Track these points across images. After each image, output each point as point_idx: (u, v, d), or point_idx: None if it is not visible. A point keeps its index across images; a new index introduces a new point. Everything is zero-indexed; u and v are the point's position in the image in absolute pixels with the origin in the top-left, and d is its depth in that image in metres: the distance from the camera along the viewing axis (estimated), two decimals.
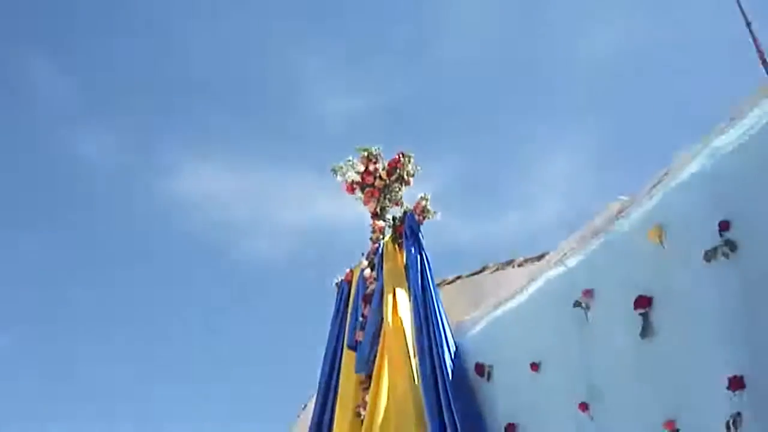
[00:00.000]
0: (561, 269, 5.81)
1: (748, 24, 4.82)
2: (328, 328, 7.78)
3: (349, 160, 7.99)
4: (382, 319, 7.04)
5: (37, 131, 19.37)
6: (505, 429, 5.98)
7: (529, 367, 5.84)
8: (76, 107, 19.37)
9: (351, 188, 7.99)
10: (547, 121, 17.62)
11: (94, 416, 19.43)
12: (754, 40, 4.77)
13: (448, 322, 6.73)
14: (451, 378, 6.35)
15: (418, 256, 7.17)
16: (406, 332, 6.82)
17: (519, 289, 6.19)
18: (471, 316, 6.76)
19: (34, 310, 20.11)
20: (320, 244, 19.09)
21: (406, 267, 7.26)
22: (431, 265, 7.13)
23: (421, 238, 7.31)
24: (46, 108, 19.34)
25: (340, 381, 7.24)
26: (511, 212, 18.40)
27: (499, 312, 6.39)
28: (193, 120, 19.80)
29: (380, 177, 7.90)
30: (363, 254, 7.88)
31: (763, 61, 4.66)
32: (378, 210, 7.91)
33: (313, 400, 7.60)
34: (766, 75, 4.62)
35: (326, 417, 7.19)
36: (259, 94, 19.61)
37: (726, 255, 4.46)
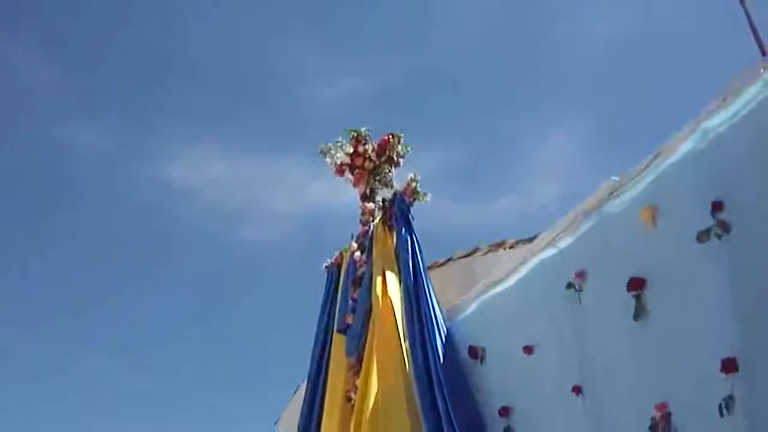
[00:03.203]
0: (553, 251, 5.78)
1: (742, 2, 4.77)
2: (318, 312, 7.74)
3: (338, 142, 7.93)
4: (372, 302, 6.99)
5: (23, 121, 19.26)
6: (499, 412, 5.96)
7: (522, 349, 5.82)
8: (63, 96, 19.25)
9: (341, 170, 7.94)
10: (543, 106, 17.63)
11: (78, 406, 19.36)
12: (749, 18, 4.72)
13: (439, 305, 6.70)
14: (442, 361, 6.33)
15: (409, 239, 7.12)
16: (396, 315, 6.77)
17: (511, 271, 6.16)
18: (462, 299, 6.73)
19: (27, 300, 20.01)
20: (314, 229, 19.06)
21: (397, 249, 7.21)
22: (422, 248, 7.08)
23: (411, 220, 7.25)
24: (33, 97, 19.24)
25: (330, 365, 7.21)
26: (506, 196, 18.43)
27: (491, 294, 6.35)
28: (183, 106, 19.71)
29: (369, 158, 7.85)
30: (353, 237, 7.83)
31: (757, 40, 4.62)
32: (368, 192, 7.86)
33: (304, 385, 7.56)
34: (760, 54, 4.57)
35: (316, 402, 7.15)
36: (250, 78, 19.55)
37: (719, 236, 4.44)
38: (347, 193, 8.11)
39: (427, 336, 6.46)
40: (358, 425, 6.48)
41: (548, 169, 18.06)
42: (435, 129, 17.09)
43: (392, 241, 7.32)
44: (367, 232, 7.62)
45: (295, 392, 9.21)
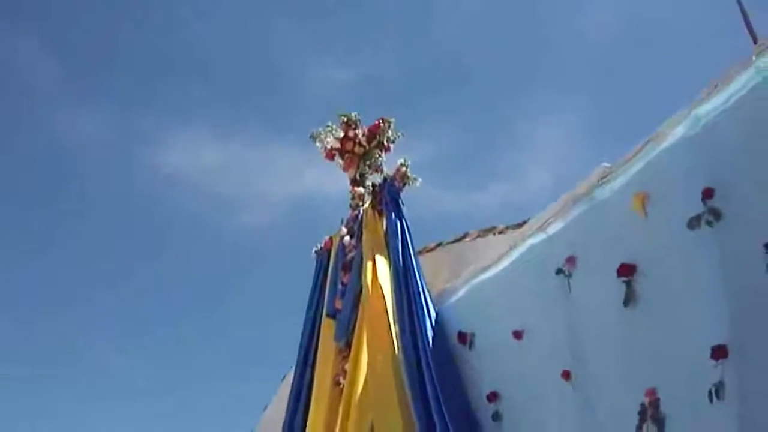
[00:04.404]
0: (543, 236, 5.78)
1: None
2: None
3: (329, 126, 7.90)
4: (362, 286, 6.99)
5: (19, 110, 19.19)
6: (488, 397, 5.97)
7: (511, 335, 5.82)
8: (58, 84, 19.18)
9: (331, 155, 7.92)
10: (535, 92, 17.63)
11: (78, 391, 19.35)
12: (741, 6, 4.73)
13: (428, 290, 6.70)
14: (431, 346, 6.33)
15: (398, 223, 7.12)
16: (386, 300, 6.76)
17: (501, 257, 6.16)
18: (451, 284, 6.73)
19: (26, 290, 19.98)
20: (308, 214, 19.07)
21: (386, 234, 7.21)
22: (412, 233, 7.08)
23: (401, 204, 7.25)
24: (28, 86, 19.17)
25: (319, 350, 7.20)
26: (500, 183, 18.44)
27: (480, 279, 6.36)
28: (177, 93, 19.68)
29: (360, 143, 7.84)
30: (342, 221, 7.81)
31: (749, 28, 4.63)
32: (358, 176, 7.84)
33: (293, 370, 7.56)
34: (751, 42, 4.58)
35: (305, 386, 7.15)
36: (245, 66, 19.54)
37: (710, 223, 4.43)
38: (341, 178, 8.11)
39: (416, 321, 6.47)
40: (347, 410, 6.48)
41: (540, 156, 18.10)
42: (426, 115, 17.13)
43: (382, 225, 7.32)
44: (357, 216, 7.62)
45: (283, 378, 9.20)
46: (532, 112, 18.00)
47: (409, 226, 7.11)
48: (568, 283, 5.42)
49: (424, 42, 18.44)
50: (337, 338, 7.07)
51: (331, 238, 7.86)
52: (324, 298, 7.47)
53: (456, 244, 7.96)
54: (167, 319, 20.54)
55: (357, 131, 7.84)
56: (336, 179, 8.23)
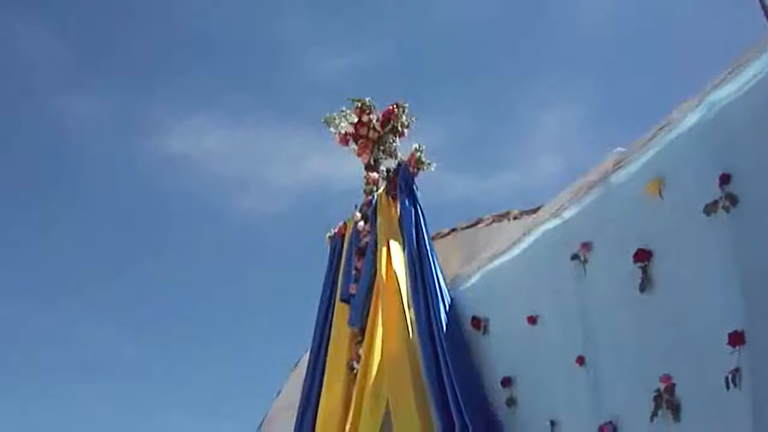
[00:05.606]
0: (557, 222, 5.77)
1: None
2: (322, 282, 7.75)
3: (343, 111, 7.90)
4: (376, 272, 7.00)
5: (22, 94, 19.21)
6: (502, 382, 5.97)
7: (525, 320, 5.82)
8: (61, 69, 19.17)
9: (344, 140, 7.92)
10: (546, 77, 17.50)
11: (78, 378, 19.45)
12: None
13: (442, 275, 6.70)
14: (445, 331, 6.34)
15: (413, 209, 7.12)
16: (400, 285, 6.77)
17: (515, 242, 6.15)
18: (465, 270, 6.73)
19: (26, 278, 20.06)
20: (313, 200, 19.06)
21: (401, 219, 7.20)
22: (426, 218, 7.08)
23: (415, 190, 7.25)
24: (31, 70, 19.15)
25: (333, 335, 7.22)
26: (509, 169, 18.31)
27: (494, 265, 6.35)
28: (181, 78, 19.64)
29: (374, 128, 7.83)
30: (356, 207, 7.82)
31: (765, 12, 4.58)
32: (372, 162, 7.84)
33: (305, 357, 7.57)
34: (767, 26, 4.54)
35: (319, 371, 7.17)
36: (249, 51, 19.47)
37: (726, 209, 4.40)
38: (347, 165, 8.12)
39: (431, 306, 6.47)
40: (361, 394, 6.51)
41: (552, 141, 18.01)
42: (437, 101, 17.01)
43: (396, 211, 7.32)
44: (371, 202, 7.62)
45: (296, 365, 9.22)
46: (540, 98, 17.92)
47: (424, 212, 7.11)
48: (584, 269, 5.41)
49: (431, 28, 18.34)
50: (351, 323, 7.08)
51: (345, 223, 7.87)
52: (338, 284, 7.48)
53: (470, 230, 7.95)
54: (174, 307, 20.54)
55: (371, 116, 7.83)
56: (343, 165, 8.23)
